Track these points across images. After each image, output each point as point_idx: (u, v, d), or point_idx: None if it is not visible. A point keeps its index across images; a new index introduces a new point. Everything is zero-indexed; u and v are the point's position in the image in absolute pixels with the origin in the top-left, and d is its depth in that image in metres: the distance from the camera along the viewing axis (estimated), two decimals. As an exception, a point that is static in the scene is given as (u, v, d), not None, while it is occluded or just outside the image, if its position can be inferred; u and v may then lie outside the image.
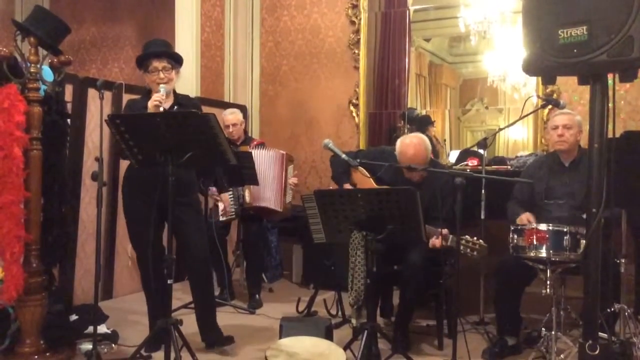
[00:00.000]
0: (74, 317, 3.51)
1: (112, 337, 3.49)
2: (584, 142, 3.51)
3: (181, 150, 2.76)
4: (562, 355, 3.05)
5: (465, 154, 4.89)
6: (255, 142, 4.69)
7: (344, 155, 3.56)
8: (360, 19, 5.71)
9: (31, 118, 3.07)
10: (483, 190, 3.80)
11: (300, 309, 4.22)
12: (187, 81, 5.29)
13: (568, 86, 4.82)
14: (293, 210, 5.18)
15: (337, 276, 4.01)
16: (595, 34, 1.64)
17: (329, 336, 3.18)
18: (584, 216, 1.90)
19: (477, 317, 3.99)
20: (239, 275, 4.90)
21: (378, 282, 3.18)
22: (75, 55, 6.97)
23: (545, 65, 1.75)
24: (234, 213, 4.46)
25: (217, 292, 4.19)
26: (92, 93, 4.32)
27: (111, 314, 3.74)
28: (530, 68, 1.81)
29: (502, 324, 3.43)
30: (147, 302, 3.48)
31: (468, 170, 4.26)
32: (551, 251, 2.94)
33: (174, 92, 3.43)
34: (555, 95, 4.78)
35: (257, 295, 4.53)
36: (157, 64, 3.27)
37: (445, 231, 3.13)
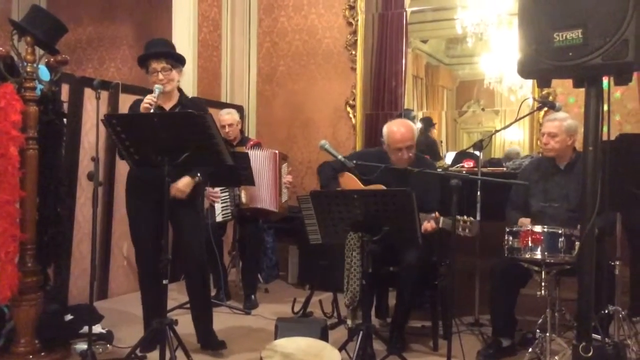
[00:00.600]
0: (69, 317, 3.50)
1: (107, 337, 3.49)
2: (579, 145, 3.54)
3: (177, 151, 2.76)
4: (556, 357, 3.06)
5: (461, 156, 4.90)
6: (251, 143, 4.69)
7: (340, 156, 3.56)
8: (357, 20, 5.72)
9: (27, 117, 3.07)
10: (479, 192, 3.81)
11: (296, 309, 4.23)
12: (184, 81, 5.28)
13: (564, 88, 4.83)
14: (289, 211, 5.19)
15: (333, 277, 4.01)
16: (591, 37, 1.65)
17: (324, 337, 3.18)
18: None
19: (472, 318, 4.00)
20: (235, 275, 4.89)
21: (373, 283, 3.19)
22: (72, 54, 6.95)
23: (541, 68, 1.76)
24: (230, 213, 4.46)
25: (213, 293, 4.19)
26: (88, 93, 4.31)
27: (106, 314, 3.73)
28: (526, 70, 1.82)
29: (497, 325, 3.44)
30: (142, 302, 3.47)
31: (464, 172, 4.27)
32: (546, 253, 2.95)
33: (180, 92, 3.40)
34: (551, 98, 4.79)
35: (252, 296, 4.53)
36: (155, 64, 3.26)
37: (434, 215, 3.17)
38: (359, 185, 3.56)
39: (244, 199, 4.46)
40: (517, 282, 3.37)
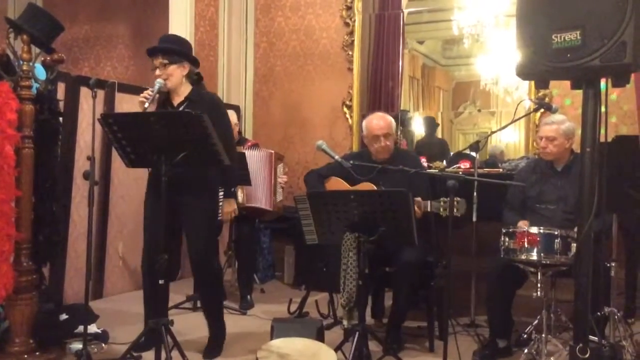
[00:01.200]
0: (64, 317, 3.48)
1: (103, 336, 3.48)
2: (576, 146, 3.55)
3: (174, 150, 2.76)
4: (552, 358, 3.06)
5: (457, 157, 4.90)
6: (249, 144, 4.69)
7: (337, 157, 3.57)
8: (354, 21, 5.72)
9: (23, 116, 3.05)
10: (475, 193, 3.81)
11: (292, 310, 4.22)
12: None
13: (560, 90, 4.85)
14: (285, 211, 5.18)
15: (330, 277, 4.01)
16: (589, 38, 1.65)
17: (320, 337, 3.18)
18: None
19: (468, 319, 4.00)
20: (230, 275, 4.89)
21: (369, 283, 3.19)
22: (67, 53, 6.93)
23: (539, 69, 1.76)
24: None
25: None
26: (84, 92, 4.30)
27: (101, 314, 3.71)
28: (524, 72, 1.82)
29: (494, 326, 3.44)
30: (143, 302, 3.45)
31: (460, 173, 4.28)
32: (542, 254, 2.95)
33: (195, 88, 3.35)
34: (547, 99, 4.80)
35: (248, 296, 4.53)
36: (154, 60, 3.25)
37: (418, 199, 3.21)
38: (346, 187, 3.58)
39: (240, 199, 4.45)
40: (513, 283, 3.37)
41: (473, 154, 3.99)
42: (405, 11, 5.75)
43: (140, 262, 3.37)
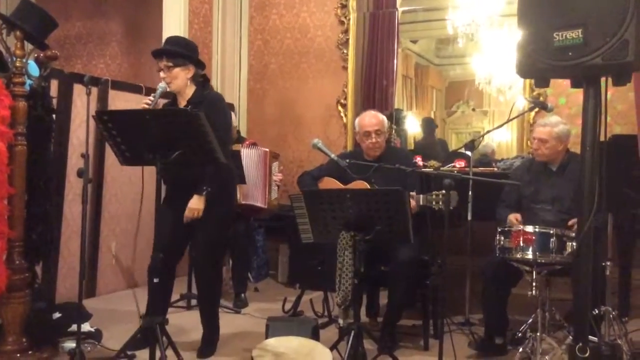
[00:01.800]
0: (57, 315, 3.45)
1: (96, 335, 3.45)
2: (573, 146, 3.56)
3: (170, 148, 2.73)
4: (547, 357, 3.06)
5: (452, 156, 4.90)
6: (247, 142, 4.68)
7: (333, 155, 3.57)
8: (349, 19, 5.71)
9: (16, 113, 3.02)
10: (470, 192, 3.81)
11: (286, 308, 4.21)
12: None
13: (555, 89, 4.86)
14: (280, 209, 5.18)
15: (324, 276, 4.00)
16: (591, 37, 1.64)
17: (315, 336, 3.17)
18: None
19: (462, 318, 4.01)
20: (225, 274, 4.86)
21: (364, 282, 3.18)
22: (60, 50, 6.83)
23: (539, 67, 1.76)
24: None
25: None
26: (77, 89, 4.27)
27: (94, 313, 3.69)
28: (524, 70, 1.81)
29: (489, 324, 3.45)
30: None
31: (455, 172, 4.28)
32: (537, 253, 2.96)
33: (198, 89, 3.32)
34: (541, 98, 4.80)
35: (242, 295, 4.52)
36: (159, 62, 3.22)
37: (412, 193, 3.23)
38: (339, 187, 3.58)
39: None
40: (508, 282, 3.37)
41: (468, 152, 3.99)
42: (400, 10, 5.74)
43: (135, 260, 3.35)
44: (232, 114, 4.71)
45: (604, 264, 3.18)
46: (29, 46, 3.15)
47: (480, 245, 3.93)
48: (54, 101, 3.52)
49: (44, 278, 3.76)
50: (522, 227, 3.05)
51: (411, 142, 6.64)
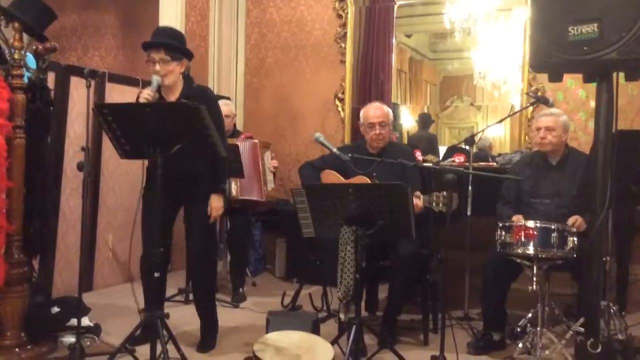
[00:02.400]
0: (55, 310, 3.43)
1: (95, 330, 3.43)
2: (571, 142, 3.58)
3: (170, 142, 2.71)
4: (547, 351, 3.08)
5: (452, 151, 4.90)
6: (243, 136, 4.65)
7: (335, 150, 3.55)
8: (347, 13, 5.68)
9: (15, 106, 2.98)
10: (470, 187, 3.81)
11: (285, 303, 4.20)
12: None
13: (553, 84, 4.85)
14: (276, 204, 5.16)
15: (323, 271, 4.00)
16: (606, 31, 1.64)
17: (316, 331, 3.16)
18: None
19: (462, 313, 4.01)
20: (222, 267, 4.85)
21: (365, 277, 3.18)
22: (54, 42, 6.82)
23: (554, 61, 1.75)
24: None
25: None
26: (74, 81, 4.24)
27: (92, 307, 3.66)
28: (538, 64, 1.80)
29: (488, 319, 3.45)
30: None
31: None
32: (539, 248, 2.96)
33: (186, 83, 3.29)
34: (540, 93, 4.80)
35: (240, 289, 4.50)
36: (154, 54, 3.13)
37: (418, 193, 3.22)
38: (341, 181, 3.57)
39: (234, 192, 4.42)
40: (508, 277, 3.38)
41: (467, 147, 3.98)
42: (397, 3, 5.72)
43: (131, 254, 3.33)
44: (232, 104, 4.69)
45: (604, 259, 3.19)
46: (27, 38, 3.12)
47: (480, 241, 3.93)
48: (51, 94, 3.48)
49: (41, 272, 3.74)
50: (523, 222, 3.05)
51: (405, 137, 6.64)
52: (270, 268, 5.53)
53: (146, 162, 3.26)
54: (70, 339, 3.19)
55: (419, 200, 3.19)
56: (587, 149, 3.98)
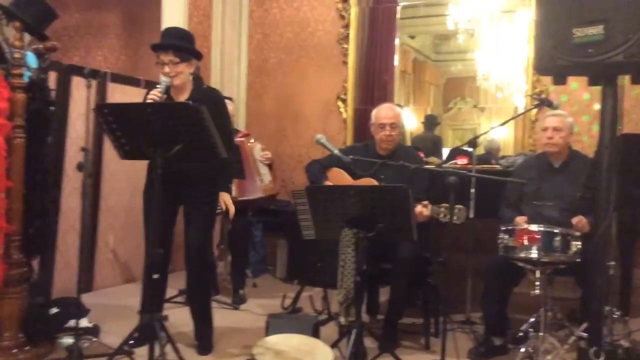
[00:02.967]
0: (54, 311, 3.41)
1: (94, 331, 3.41)
2: (575, 144, 3.55)
3: (171, 142, 2.69)
4: (549, 356, 3.04)
5: (454, 153, 4.87)
6: (240, 135, 4.62)
7: (336, 151, 3.52)
8: (350, 14, 5.66)
9: (15, 105, 2.97)
10: (472, 189, 3.78)
11: (285, 305, 4.18)
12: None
13: (556, 87, 4.81)
14: (278, 204, 5.15)
15: (324, 273, 3.97)
16: (612, 33, 1.60)
17: (316, 334, 3.14)
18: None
19: (463, 316, 3.98)
20: (223, 269, 4.83)
21: (365, 280, 3.16)
22: (57, 42, 6.75)
23: (559, 64, 1.72)
24: (220, 207, 4.40)
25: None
26: (76, 81, 4.22)
27: (92, 308, 3.65)
28: (542, 67, 1.78)
29: (490, 324, 3.42)
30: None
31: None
32: (542, 252, 2.92)
33: (195, 84, 3.29)
34: (543, 95, 4.77)
35: (240, 291, 4.49)
36: (163, 56, 3.12)
37: (425, 202, 3.17)
38: (349, 181, 3.53)
39: (233, 193, 4.39)
40: (510, 281, 3.35)
41: (470, 149, 3.95)
42: (400, 4, 5.70)
43: (132, 255, 3.32)
44: (232, 104, 4.67)
45: (608, 263, 3.15)
46: (27, 37, 3.10)
47: (482, 243, 3.91)
48: (52, 94, 3.46)
49: (40, 273, 3.72)
50: (526, 225, 3.02)
51: (409, 139, 6.63)
52: (271, 269, 5.51)
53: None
54: (68, 340, 3.17)
55: (425, 209, 3.15)
56: (591, 151, 3.95)
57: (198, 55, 3.29)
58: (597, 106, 4.68)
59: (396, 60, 5.77)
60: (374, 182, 3.40)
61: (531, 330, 3.23)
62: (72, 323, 3.14)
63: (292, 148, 5.90)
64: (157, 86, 3.05)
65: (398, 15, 5.72)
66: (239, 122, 6.00)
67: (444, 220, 3.08)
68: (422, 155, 4.86)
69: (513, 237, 3.01)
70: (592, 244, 1.70)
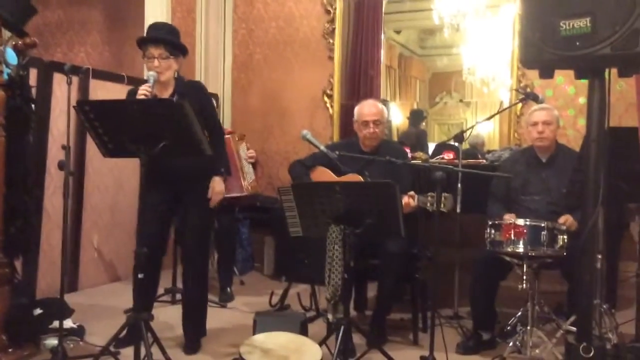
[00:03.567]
0: (38, 311, 3.36)
1: (79, 332, 3.37)
2: (559, 138, 3.55)
3: (154, 140, 2.65)
4: (537, 350, 3.05)
5: (441, 148, 4.87)
6: (225, 132, 4.57)
7: (322, 147, 3.50)
8: (335, 8, 5.62)
9: (-6, 103, 2.91)
10: (459, 184, 3.77)
11: (273, 302, 4.15)
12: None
13: (542, 80, 4.81)
14: (265, 201, 5.12)
15: (312, 269, 3.95)
16: (599, 26, 1.58)
17: (304, 331, 3.12)
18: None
19: (451, 311, 3.98)
20: (209, 267, 4.78)
21: (353, 276, 3.14)
22: (39, 38, 6.60)
23: (545, 58, 1.70)
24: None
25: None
26: (57, 78, 4.15)
27: (77, 308, 3.60)
28: (529, 60, 1.76)
29: (478, 319, 3.42)
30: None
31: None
32: (528, 246, 2.94)
33: (178, 79, 3.26)
34: (529, 90, 4.78)
35: (228, 289, 4.45)
36: (153, 50, 3.09)
37: (412, 193, 3.18)
38: (333, 178, 3.51)
39: (220, 189, 4.36)
40: (497, 275, 3.35)
41: (457, 144, 3.95)
42: (385, -1, 5.68)
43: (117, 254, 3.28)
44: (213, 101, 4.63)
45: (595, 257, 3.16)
46: (6, 33, 3.04)
47: (469, 238, 3.91)
48: (33, 91, 3.40)
49: (24, 273, 3.66)
50: (513, 220, 3.03)
51: (395, 134, 6.62)
52: (259, 266, 5.48)
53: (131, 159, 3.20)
54: (53, 341, 3.12)
55: (412, 200, 3.15)
56: (576, 145, 3.96)
57: (185, 52, 3.27)
58: (582, 100, 4.69)
59: (382, 55, 5.76)
60: (359, 178, 3.38)
61: (519, 324, 3.23)
62: (56, 324, 3.09)
63: (278, 144, 5.87)
64: (147, 81, 3.01)
65: (383, 10, 5.70)
66: (224, 119, 5.95)
67: (431, 209, 3.08)
68: (408, 150, 4.86)
69: (500, 231, 3.02)
70: (580, 239, 1.69)
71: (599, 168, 1.63)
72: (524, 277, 2.98)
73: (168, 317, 3.79)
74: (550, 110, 3.46)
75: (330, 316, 3.03)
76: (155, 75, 3.04)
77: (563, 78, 4.76)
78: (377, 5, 5.64)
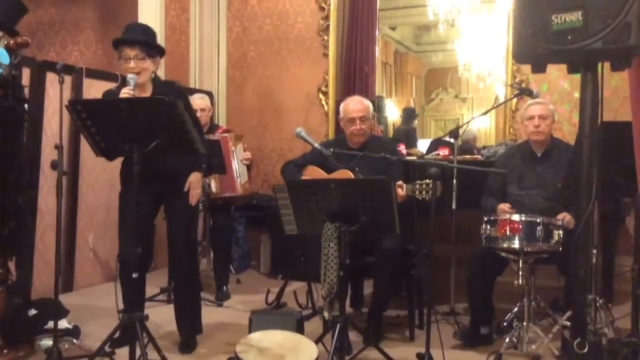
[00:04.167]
0: (33, 312, 3.34)
1: (74, 332, 3.35)
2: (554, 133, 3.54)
3: (147, 139, 2.64)
4: (533, 346, 3.05)
5: (436, 144, 4.86)
6: (220, 130, 4.56)
7: (316, 144, 3.49)
8: (329, 5, 5.61)
9: (-15, 103, 2.89)
10: (455, 180, 3.77)
11: (269, 300, 4.14)
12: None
13: (537, 75, 4.82)
14: (260, 199, 5.11)
15: (308, 267, 3.95)
16: (591, 20, 1.57)
17: (300, 329, 3.11)
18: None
19: (448, 307, 3.98)
20: (205, 265, 4.78)
21: (349, 273, 3.13)
22: (32, 37, 6.64)
23: (537, 52, 1.69)
24: (200, 204, 4.34)
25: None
26: (50, 77, 4.13)
27: (72, 308, 3.58)
28: (521, 55, 1.75)
29: (475, 314, 3.42)
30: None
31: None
32: (524, 242, 2.93)
33: (156, 80, 3.25)
34: (524, 85, 4.78)
35: (224, 287, 4.44)
36: (129, 51, 3.07)
37: (400, 182, 3.16)
38: (323, 175, 3.51)
39: (214, 188, 4.35)
40: (494, 271, 3.35)
41: (452, 140, 3.94)
42: (381, -5, 5.67)
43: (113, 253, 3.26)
44: (207, 98, 4.61)
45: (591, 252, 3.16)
46: (-2, 33, 3.02)
47: (465, 234, 3.90)
48: (26, 90, 3.38)
49: (18, 274, 3.64)
50: (508, 215, 3.02)
51: (391, 130, 6.62)
52: (255, 264, 5.47)
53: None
54: (47, 342, 3.10)
55: (401, 190, 3.14)
56: (571, 140, 3.96)
57: (162, 53, 3.26)
58: (577, 94, 4.68)
59: (377, 52, 5.75)
60: (350, 175, 3.38)
61: (515, 319, 3.23)
62: (51, 324, 3.07)
63: (274, 142, 5.86)
64: (127, 84, 2.99)
65: (378, 6, 5.69)
66: (220, 116, 5.94)
67: (420, 197, 3.07)
68: (403, 146, 4.85)
69: (495, 227, 3.02)
70: (575, 234, 1.68)
71: (592, 163, 1.63)
72: (520, 273, 2.97)
73: (163, 316, 3.77)
74: (546, 105, 3.47)
75: (326, 314, 3.02)
76: (136, 78, 3.02)
77: (558, 73, 4.76)
78: (371, 1, 5.62)
